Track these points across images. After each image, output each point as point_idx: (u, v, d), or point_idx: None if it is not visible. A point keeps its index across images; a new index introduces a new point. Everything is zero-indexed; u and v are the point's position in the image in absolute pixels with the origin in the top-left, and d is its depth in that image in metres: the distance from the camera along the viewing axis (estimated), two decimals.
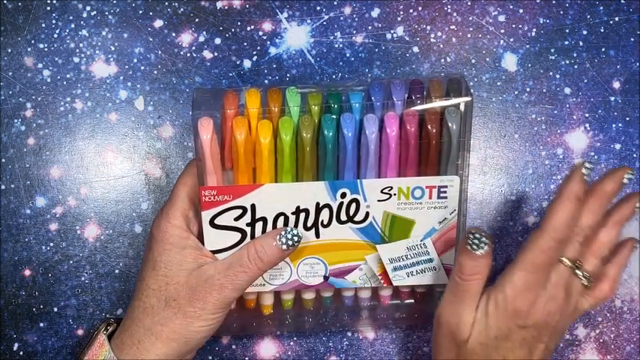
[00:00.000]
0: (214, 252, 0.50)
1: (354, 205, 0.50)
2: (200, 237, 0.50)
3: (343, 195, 0.49)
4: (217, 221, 0.49)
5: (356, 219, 0.50)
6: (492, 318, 0.47)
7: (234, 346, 0.59)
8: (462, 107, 0.48)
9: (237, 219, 0.49)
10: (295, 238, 0.49)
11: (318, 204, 0.49)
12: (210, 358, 0.59)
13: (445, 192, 0.50)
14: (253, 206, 0.49)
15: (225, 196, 0.49)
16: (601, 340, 0.60)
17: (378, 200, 0.50)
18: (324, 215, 0.50)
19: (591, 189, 0.49)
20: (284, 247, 0.49)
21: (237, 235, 0.50)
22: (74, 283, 0.59)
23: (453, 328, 0.48)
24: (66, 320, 0.59)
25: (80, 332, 0.59)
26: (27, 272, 0.59)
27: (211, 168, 0.48)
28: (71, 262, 0.59)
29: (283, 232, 0.49)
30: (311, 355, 0.59)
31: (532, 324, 0.47)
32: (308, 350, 0.59)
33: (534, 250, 0.46)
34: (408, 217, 0.50)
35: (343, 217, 0.50)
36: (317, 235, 0.51)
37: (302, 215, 0.50)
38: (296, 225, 0.50)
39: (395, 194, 0.49)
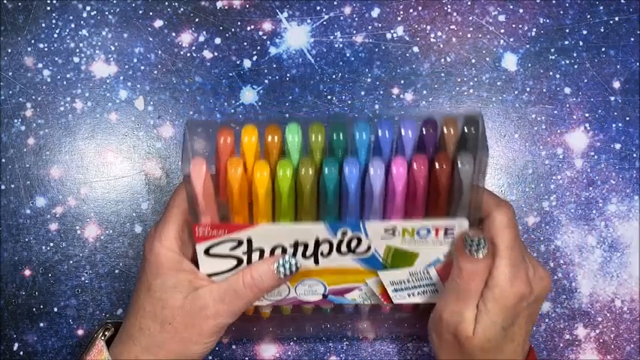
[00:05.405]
0: (209, 275, 0.48)
1: (355, 240, 0.47)
2: (194, 258, 0.48)
3: (344, 233, 0.46)
4: (212, 251, 0.47)
5: (357, 251, 0.47)
6: (494, 313, 0.47)
7: (234, 347, 0.59)
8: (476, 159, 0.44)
9: (232, 249, 0.47)
10: (293, 268, 0.47)
11: (317, 239, 0.47)
12: (210, 358, 0.59)
13: (453, 232, 0.46)
14: (250, 239, 0.47)
15: (220, 230, 0.46)
16: (601, 340, 0.59)
17: (381, 238, 0.47)
18: (324, 247, 0.47)
19: None
20: (281, 275, 0.47)
21: (233, 262, 0.48)
22: (74, 283, 0.59)
23: (455, 326, 0.48)
24: (66, 320, 0.59)
25: (80, 332, 0.59)
26: (27, 272, 0.59)
27: (204, 209, 0.46)
28: (71, 262, 0.59)
29: (281, 261, 0.47)
30: (311, 355, 0.59)
31: (534, 297, 0.47)
32: (308, 350, 0.59)
33: (506, 231, 0.46)
34: (411, 251, 0.48)
35: (344, 250, 0.47)
36: (316, 262, 0.48)
37: (300, 248, 0.47)
38: (294, 254, 0.48)
39: (399, 233, 0.46)
